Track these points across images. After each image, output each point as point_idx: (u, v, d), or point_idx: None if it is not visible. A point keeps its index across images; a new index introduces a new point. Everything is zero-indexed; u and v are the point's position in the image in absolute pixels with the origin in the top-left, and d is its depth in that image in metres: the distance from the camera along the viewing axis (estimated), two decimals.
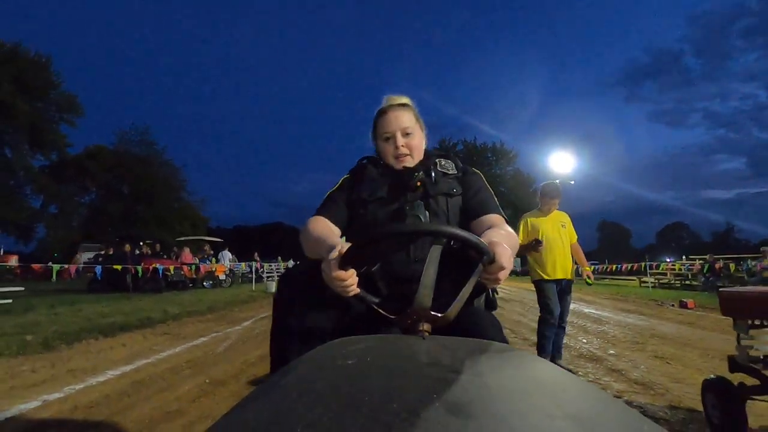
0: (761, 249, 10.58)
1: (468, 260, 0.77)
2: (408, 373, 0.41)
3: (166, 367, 3.55)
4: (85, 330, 5.05)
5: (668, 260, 22.67)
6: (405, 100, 1.22)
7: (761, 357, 2.10)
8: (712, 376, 2.28)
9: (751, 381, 2.13)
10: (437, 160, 1.16)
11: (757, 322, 2.19)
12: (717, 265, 11.66)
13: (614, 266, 15.30)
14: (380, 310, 0.76)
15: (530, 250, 3.30)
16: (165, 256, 13.55)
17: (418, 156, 1.15)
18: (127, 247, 11.30)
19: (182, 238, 17.01)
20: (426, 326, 0.65)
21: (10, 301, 7.23)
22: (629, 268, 14.39)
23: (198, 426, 2.24)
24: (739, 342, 2.23)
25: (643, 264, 13.89)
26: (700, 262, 13.66)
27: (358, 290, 0.76)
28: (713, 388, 2.22)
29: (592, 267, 17.58)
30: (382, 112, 1.16)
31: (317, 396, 0.36)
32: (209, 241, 16.94)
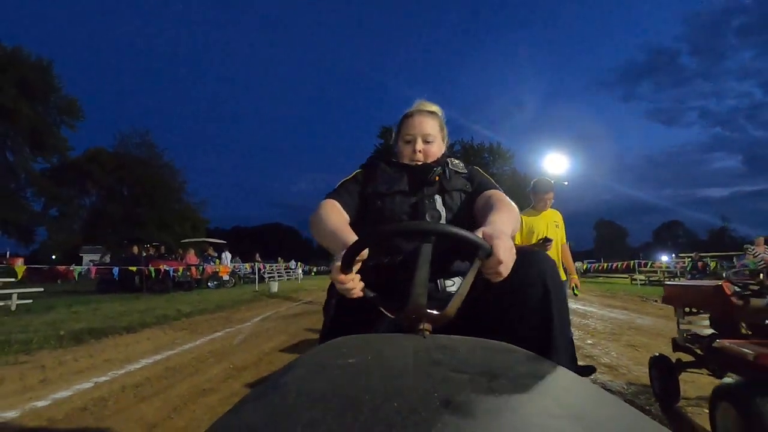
0: (744, 246, 11.07)
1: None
2: (408, 373, 0.41)
3: (191, 356, 4.00)
4: (109, 326, 5.49)
5: (666, 258, 23.22)
6: (434, 108, 1.25)
7: (695, 337, 2.57)
8: (656, 354, 2.75)
9: (687, 358, 2.60)
10: (449, 159, 1.19)
11: (694, 310, 2.67)
12: (700, 264, 12.19)
13: (605, 264, 15.84)
14: (383, 310, 0.76)
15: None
16: (168, 258, 14.00)
17: (434, 159, 1.18)
18: (136, 250, 11.72)
19: (186, 240, 17.42)
20: (426, 325, 0.65)
21: (30, 301, 7.67)
22: (620, 266, 14.91)
23: (232, 399, 2.69)
24: (678, 326, 2.71)
25: (632, 262, 14.40)
26: (688, 260, 14.19)
27: (361, 293, 0.77)
28: (656, 364, 2.69)
29: (586, 265, 18.13)
30: (409, 115, 1.20)
31: (317, 395, 0.36)
32: (212, 243, 17.37)
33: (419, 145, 1.14)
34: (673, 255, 21.53)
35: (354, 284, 0.76)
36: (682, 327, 2.67)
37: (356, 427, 0.30)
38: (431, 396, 0.35)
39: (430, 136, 1.16)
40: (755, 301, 2.13)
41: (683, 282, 2.90)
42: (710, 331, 2.47)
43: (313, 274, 24.10)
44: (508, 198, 1.02)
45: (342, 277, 0.74)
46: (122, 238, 29.60)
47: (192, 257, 14.06)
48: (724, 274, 9.85)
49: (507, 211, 0.93)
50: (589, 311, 7.67)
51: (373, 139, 48.60)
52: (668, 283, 2.93)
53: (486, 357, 0.48)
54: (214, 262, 15.01)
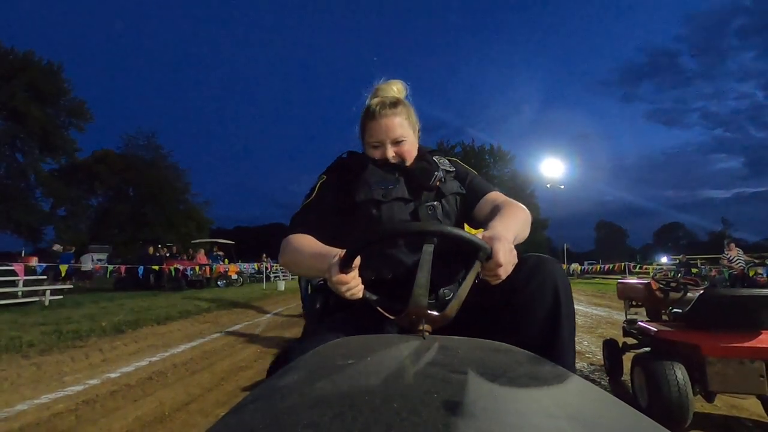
0: (723, 254, 11.63)
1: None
2: (408, 373, 0.42)
3: (222, 342, 4.66)
4: (140, 319, 6.15)
5: (666, 260, 23.83)
6: (396, 90, 1.13)
7: (632, 324, 3.20)
8: (608, 338, 3.39)
9: (632, 341, 3.23)
10: (435, 159, 1.10)
11: (639, 304, 3.31)
12: (683, 269, 12.82)
13: (599, 267, 16.48)
14: (382, 311, 0.76)
15: None
16: (179, 258, 14.69)
17: (410, 160, 1.08)
18: (151, 250, 12.41)
19: (197, 241, 18.13)
20: (426, 326, 0.65)
21: (61, 297, 8.35)
22: (612, 267, 15.55)
23: (265, 373, 3.35)
24: (626, 316, 3.35)
25: (623, 264, 15.03)
26: (676, 262, 14.83)
27: (361, 294, 0.76)
28: (607, 346, 3.33)
29: (580, 267, 18.72)
30: (371, 117, 1.06)
31: (317, 396, 0.37)
32: (221, 243, 18.08)
33: (390, 152, 1.05)
34: (669, 257, 22.20)
35: (356, 282, 0.74)
36: (629, 317, 3.32)
37: (356, 428, 0.30)
38: (431, 397, 0.35)
39: (400, 136, 1.05)
40: (673, 294, 2.78)
41: (627, 280, 3.54)
42: (647, 319, 3.11)
43: None
44: (512, 199, 1.00)
45: (343, 276, 0.72)
46: (129, 237, 30.38)
47: (202, 257, 14.74)
48: (715, 276, 10.47)
49: (513, 214, 0.91)
50: (575, 309, 8.31)
51: None
52: (620, 281, 3.57)
53: (486, 357, 0.48)
54: (223, 262, 15.70)
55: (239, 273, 15.55)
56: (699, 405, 2.35)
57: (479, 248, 0.70)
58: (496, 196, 1.06)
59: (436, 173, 1.05)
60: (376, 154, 1.07)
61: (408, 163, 1.07)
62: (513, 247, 0.76)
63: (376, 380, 0.40)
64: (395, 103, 1.07)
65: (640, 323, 2.72)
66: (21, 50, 27.99)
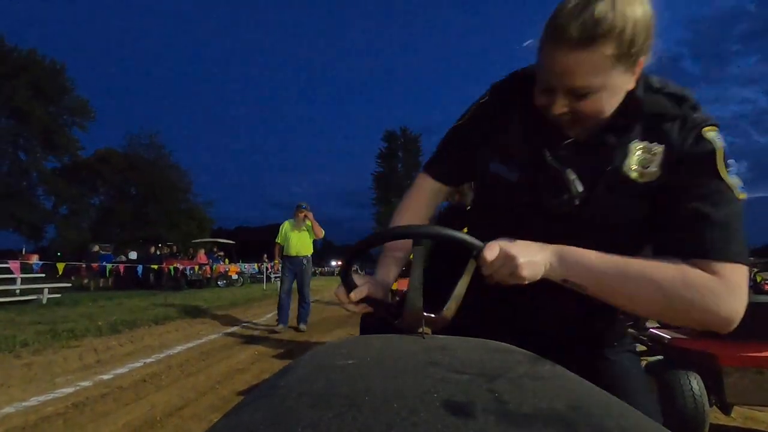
0: None
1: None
2: (408, 373, 0.41)
3: (220, 344, 4.57)
4: (137, 318, 6.06)
5: None
6: (606, 17, 0.57)
7: (648, 332, 3.10)
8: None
9: (641, 348, 3.12)
10: (635, 144, 0.66)
11: None
12: None
13: None
14: (386, 314, 0.76)
15: None
16: (179, 257, 14.64)
17: (597, 121, 0.66)
18: (152, 249, 12.34)
19: (198, 240, 18.06)
20: (426, 329, 0.65)
21: (59, 295, 8.27)
22: None
23: (263, 375, 3.25)
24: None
25: None
26: None
27: (356, 307, 0.76)
28: None
29: None
30: (551, 38, 0.61)
31: (317, 396, 0.36)
32: (221, 243, 18.00)
33: (559, 106, 0.65)
34: None
35: (350, 300, 0.73)
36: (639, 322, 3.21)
37: (356, 428, 0.30)
38: (431, 396, 0.35)
39: (583, 88, 0.62)
40: None
41: None
42: (657, 325, 3.01)
43: (318, 274, 24.72)
44: (704, 275, 0.58)
45: (343, 296, 0.74)
46: (131, 236, 30.36)
47: (202, 256, 14.67)
48: None
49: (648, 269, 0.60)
50: None
51: (376, 141, 49.12)
52: None
53: (485, 357, 0.48)
54: (223, 262, 15.64)
55: (240, 273, 15.49)
56: (714, 417, 2.25)
57: (472, 246, 0.66)
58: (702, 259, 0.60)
59: (575, 189, 0.66)
60: (542, 101, 0.68)
61: (589, 126, 0.66)
62: (513, 245, 0.62)
63: (376, 380, 0.39)
64: (599, 34, 0.57)
65: (651, 330, 2.62)
66: (24, 49, 28.07)
